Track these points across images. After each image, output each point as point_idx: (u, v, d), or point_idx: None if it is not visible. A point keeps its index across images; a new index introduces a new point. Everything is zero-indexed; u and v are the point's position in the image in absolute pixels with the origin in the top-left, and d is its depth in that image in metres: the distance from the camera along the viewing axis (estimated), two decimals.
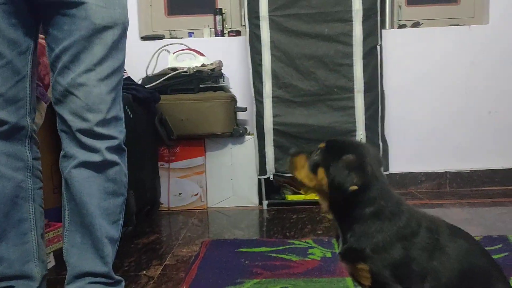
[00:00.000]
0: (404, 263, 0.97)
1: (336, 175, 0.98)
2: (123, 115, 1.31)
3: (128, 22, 1.27)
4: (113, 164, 1.26)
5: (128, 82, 2.29)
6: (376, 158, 1.06)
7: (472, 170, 2.90)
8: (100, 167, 1.24)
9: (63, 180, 1.27)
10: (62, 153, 1.26)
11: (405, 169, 2.87)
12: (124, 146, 1.30)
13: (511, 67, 2.86)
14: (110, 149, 1.25)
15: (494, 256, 1.63)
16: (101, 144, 1.23)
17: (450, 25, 2.95)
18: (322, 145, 1.05)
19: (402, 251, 0.97)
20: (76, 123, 1.21)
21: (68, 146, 1.24)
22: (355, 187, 0.96)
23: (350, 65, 2.58)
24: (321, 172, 1.02)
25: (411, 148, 2.87)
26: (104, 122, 1.22)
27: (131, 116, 2.03)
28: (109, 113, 1.23)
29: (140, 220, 2.27)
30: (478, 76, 2.87)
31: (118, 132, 1.27)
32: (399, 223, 0.99)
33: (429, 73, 2.88)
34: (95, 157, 1.23)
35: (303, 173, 1.06)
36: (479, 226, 2.13)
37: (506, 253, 1.68)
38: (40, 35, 1.28)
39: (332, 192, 0.99)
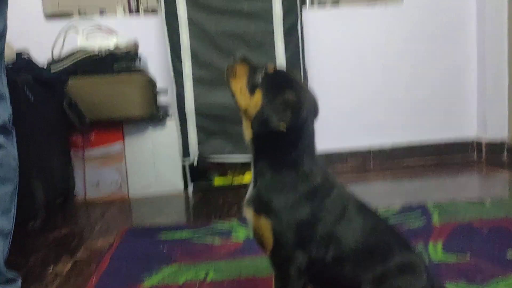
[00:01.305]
0: (310, 224, 0.91)
1: (270, 105, 0.92)
2: (6, 92, 1.15)
3: None
4: None
5: (29, 65, 2.07)
6: (315, 107, 1.01)
7: (393, 145, 2.98)
8: None
9: None
10: None
11: (330, 147, 2.87)
12: (9, 127, 1.15)
13: (422, 45, 2.96)
14: None
15: (413, 222, 1.69)
16: None
17: (369, 3, 2.98)
18: (271, 67, 0.98)
19: (310, 212, 0.92)
20: None
21: None
22: (284, 126, 0.89)
23: (272, 43, 2.52)
24: (258, 94, 0.95)
25: (335, 127, 2.87)
26: None
27: (32, 99, 1.83)
28: None
29: (52, 213, 2.08)
30: (393, 54, 2.94)
31: (1, 110, 1.12)
32: (314, 182, 0.93)
33: (349, 52, 2.90)
34: None
35: (239, 86, 0.98)
36: (401, 196, 2.17)
37: (424, 217, 1.75)
38: None
39: (260, 123, 0.92)
